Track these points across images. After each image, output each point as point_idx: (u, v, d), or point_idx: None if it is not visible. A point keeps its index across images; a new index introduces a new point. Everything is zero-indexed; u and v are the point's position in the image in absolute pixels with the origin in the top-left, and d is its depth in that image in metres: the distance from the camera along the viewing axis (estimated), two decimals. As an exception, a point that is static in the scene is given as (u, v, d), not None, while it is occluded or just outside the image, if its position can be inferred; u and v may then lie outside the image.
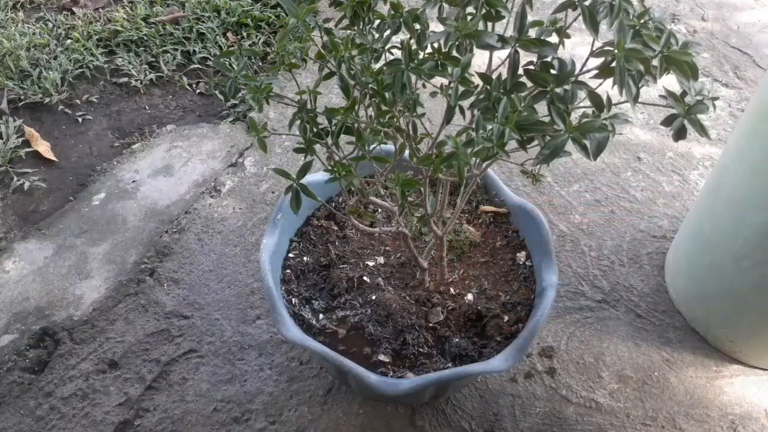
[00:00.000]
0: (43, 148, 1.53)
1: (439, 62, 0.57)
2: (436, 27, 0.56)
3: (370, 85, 0.61)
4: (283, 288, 0.96)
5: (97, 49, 1.80)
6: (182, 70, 1.78)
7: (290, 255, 1.02)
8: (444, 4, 0.60)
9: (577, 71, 0.55)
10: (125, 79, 1.73)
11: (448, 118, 0.61)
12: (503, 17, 0.58)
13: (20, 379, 1.10)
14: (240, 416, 1.05)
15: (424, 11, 0.61)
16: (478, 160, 0.71)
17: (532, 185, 1.44)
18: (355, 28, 0.64)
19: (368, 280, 0.99)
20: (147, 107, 1.68)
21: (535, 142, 0.57)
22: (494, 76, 0.57)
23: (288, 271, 0.99)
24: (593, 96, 0.53)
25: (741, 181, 0.99)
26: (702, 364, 1.13)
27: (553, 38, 0.60)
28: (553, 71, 0.56)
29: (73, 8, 1.98)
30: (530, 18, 0.56)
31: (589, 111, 0.54)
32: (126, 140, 1.58)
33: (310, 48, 0.64)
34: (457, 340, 0.92)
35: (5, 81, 1.67)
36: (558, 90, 0.54)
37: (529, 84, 0.56)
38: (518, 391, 1.08)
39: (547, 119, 0.54)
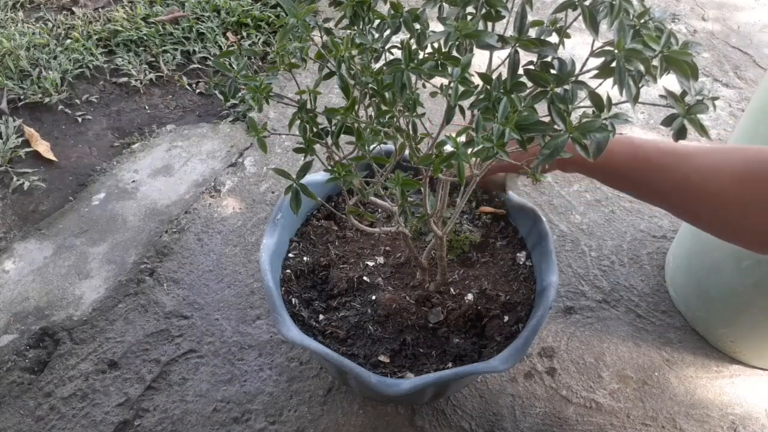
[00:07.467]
0: (43, 148, 1.53)
1: (439, 62, 0.57)
2: (436, 27, 0.56)
3: (370, 85, 0.61)
4: (283, 288, 0.96)
5: (96, 48, 1.80)
6: (182, 70, 1.78)
7: (290, 255, 1.01)
8: (444, 4, 0.60)
9: (577, 71, 0.54)
10: (125, 79, 1.73)
11: (448, 118, 0.61)
12: (503, 17, 0.58)
13: (20, 379, 1.10)
14: (240, 416, 1.05)
15: (424, 11, 0.61)
16: (478, 160, 0.71)
17: (532, 185, 1.44)
18: (355, 28, 0.64)
19: (368, 280, 0.99)
20: (147, 107, 1.68)
21: (535, 142, 0.57)
22: (494, 76, 0.57)
23: (288, 271, 0.99)
24: (593, 96, 0.53)
25: (741, 181, 0.99)
26: (702, 364, 1.12)
27: (553, 38, 0.60)
28: (553, 71, 0.56)
29: (73, 8, 1.98)
30: (530, 18, 0.56)
31: (589, 111, 0.54)
32: (126, 140, 1.58)
33: (310, 48, 0.64)
34: (457, 340, 0.92)
35: (5, 81, 1.67)
36: (558, 90, 0.54)
37: (529, 84, 0.56)
38: (518, 391, 1.08)
39: (547, 119, 0.54)
